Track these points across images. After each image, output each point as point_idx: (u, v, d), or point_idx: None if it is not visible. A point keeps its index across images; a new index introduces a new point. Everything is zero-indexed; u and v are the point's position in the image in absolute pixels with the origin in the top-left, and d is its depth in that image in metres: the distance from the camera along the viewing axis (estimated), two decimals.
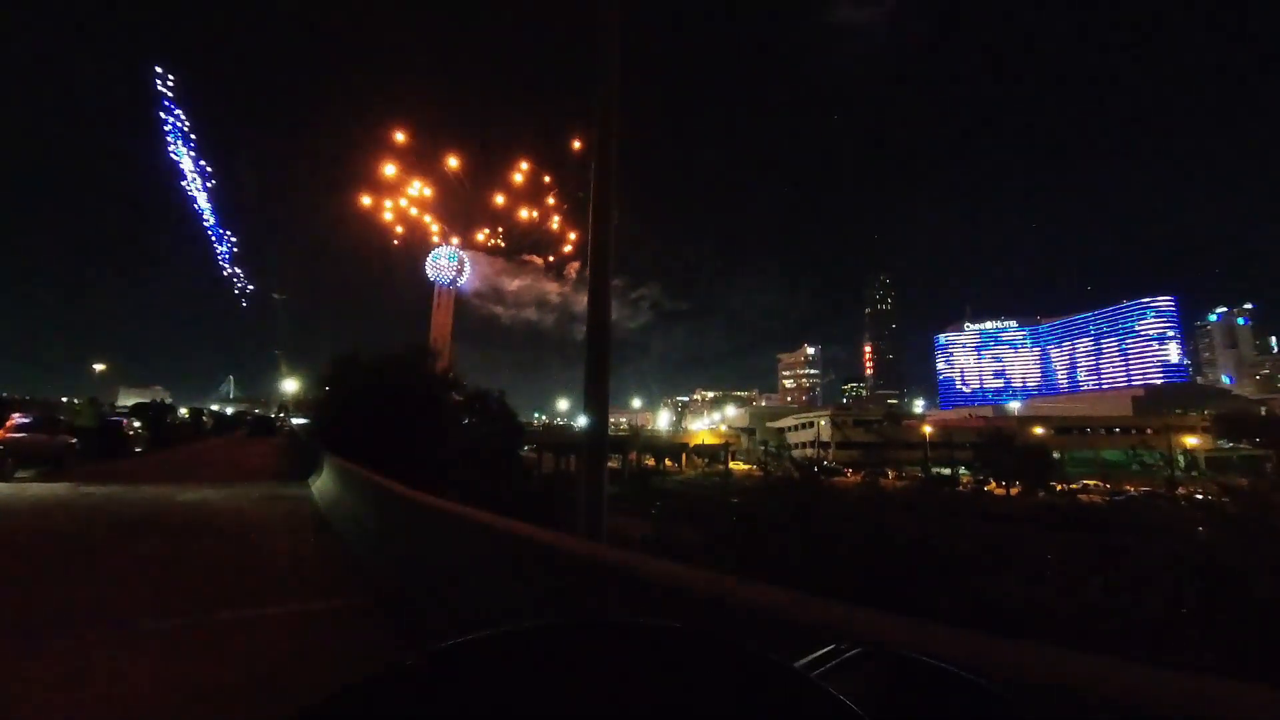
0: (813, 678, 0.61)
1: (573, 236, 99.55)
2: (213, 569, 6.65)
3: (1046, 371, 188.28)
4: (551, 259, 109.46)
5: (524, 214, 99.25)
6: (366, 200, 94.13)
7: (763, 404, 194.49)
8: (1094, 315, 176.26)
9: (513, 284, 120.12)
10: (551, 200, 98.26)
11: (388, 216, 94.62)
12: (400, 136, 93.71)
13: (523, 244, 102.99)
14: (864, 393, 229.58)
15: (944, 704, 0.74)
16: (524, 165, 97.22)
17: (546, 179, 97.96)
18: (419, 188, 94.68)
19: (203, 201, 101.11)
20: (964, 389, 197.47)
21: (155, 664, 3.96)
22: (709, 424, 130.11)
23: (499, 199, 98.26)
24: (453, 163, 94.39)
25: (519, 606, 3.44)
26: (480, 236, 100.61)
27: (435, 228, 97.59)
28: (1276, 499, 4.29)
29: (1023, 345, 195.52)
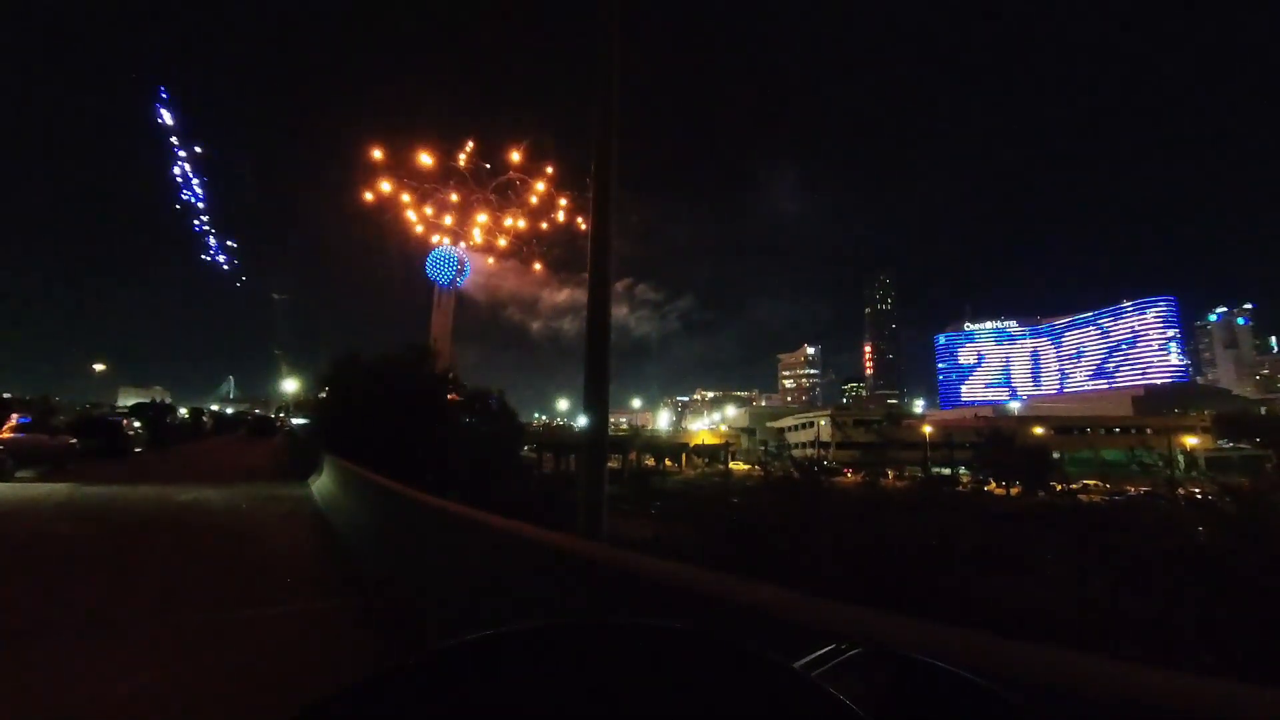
0: (813, 678, 0.61)
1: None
2: (213, 569, 6.65)
3: (1047, 371, 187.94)
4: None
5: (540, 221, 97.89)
6: (403, 198, 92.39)
7: (763, 404, 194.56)
8: (1094, 315, 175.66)
9: (557, 294, 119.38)
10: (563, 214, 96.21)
11: (409, 217, 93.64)
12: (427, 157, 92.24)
13: (549, 251, 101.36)
14: (864, 393, 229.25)
15: (944, 704, 0.74)
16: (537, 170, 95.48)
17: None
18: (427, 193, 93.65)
19: (204, 202, 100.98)
20: (964, 389, 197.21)
21: (155, 664, 3.96)
22: (709, 424, 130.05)
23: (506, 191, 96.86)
24: (420, 157, 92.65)
25: (518, 607, 3.44)
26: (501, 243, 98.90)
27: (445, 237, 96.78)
28: (1276, 499, 4.29)
29: (1023, 345, 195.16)
